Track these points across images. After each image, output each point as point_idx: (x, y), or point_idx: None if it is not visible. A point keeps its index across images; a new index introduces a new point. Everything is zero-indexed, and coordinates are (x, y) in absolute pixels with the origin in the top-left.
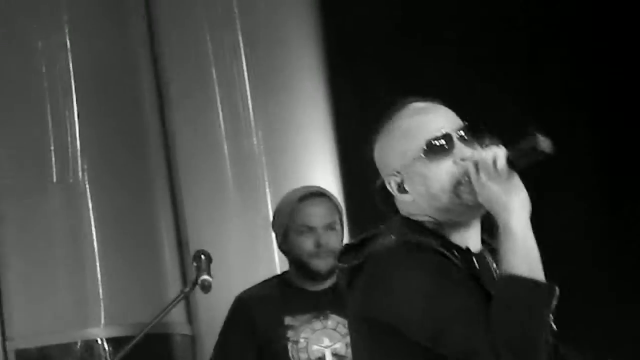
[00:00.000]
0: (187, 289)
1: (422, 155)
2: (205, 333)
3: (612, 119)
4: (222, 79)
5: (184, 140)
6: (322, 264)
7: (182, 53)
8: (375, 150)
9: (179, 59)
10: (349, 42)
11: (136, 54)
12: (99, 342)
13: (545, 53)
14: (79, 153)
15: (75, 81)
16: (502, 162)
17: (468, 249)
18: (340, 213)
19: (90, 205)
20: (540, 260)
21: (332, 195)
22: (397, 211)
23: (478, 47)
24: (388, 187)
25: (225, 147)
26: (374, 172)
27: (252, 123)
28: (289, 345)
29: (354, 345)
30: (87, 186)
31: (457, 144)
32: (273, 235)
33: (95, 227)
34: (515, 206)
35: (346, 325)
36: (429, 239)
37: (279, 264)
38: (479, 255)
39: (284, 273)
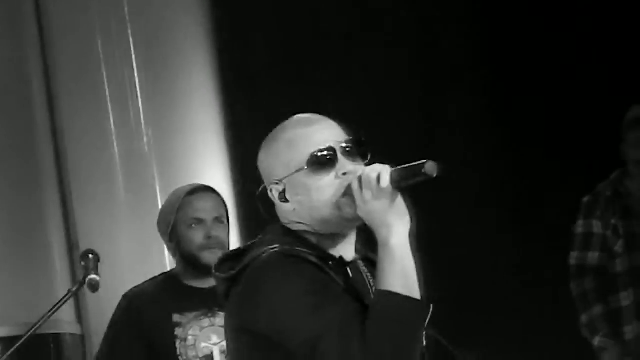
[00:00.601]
0: (74, 288)
1: (305, 167)
2: (94, 332)
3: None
4: (112, 78)
5: (73, 140)
6: (212, 256)
7: (73, 52)
8: (260, 158)
9: (69, 59)
10: (242, 42)
11: (26, 53)
12: None
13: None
14: None
15: None
16: (385, 180)
17: (341, 258)
18: (226, 209)
19: None
20: (416, 279)
21: (218, 191)
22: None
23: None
24: (270, 194)
25: (116, 147)
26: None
27: (143, 123)
28: (177, 343)
29: (232, 356)
30: None
31: (341, 157)
32: None
33: None
34: (395, 224)
35: None
36: (303, 250)
37: (169, 264)
38: (352, 265)
39: (171, 270)
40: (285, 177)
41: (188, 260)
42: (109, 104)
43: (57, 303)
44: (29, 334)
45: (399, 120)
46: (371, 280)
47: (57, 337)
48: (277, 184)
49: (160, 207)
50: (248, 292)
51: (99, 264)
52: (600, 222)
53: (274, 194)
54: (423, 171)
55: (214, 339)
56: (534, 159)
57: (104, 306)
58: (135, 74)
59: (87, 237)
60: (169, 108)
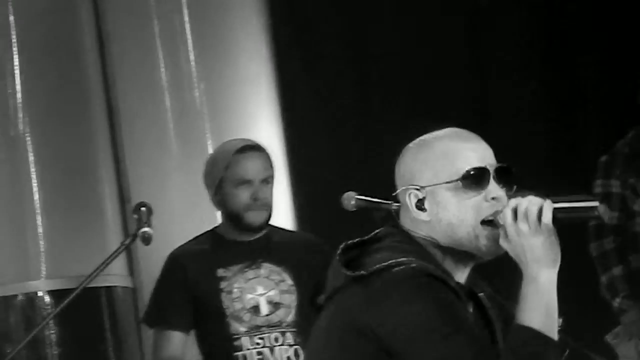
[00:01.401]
0: (127, 241)
1: (456, 181)
2: (146, 285)
3: None
4: (164, 31)
5: (125, 94)
6: (257, 216)
7: (125, 5)
8: (404, 161)
9: (121, 11)
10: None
11: (78, 6)
12: (40, 294)
13: None
14: (20, 106)
15: (16, 34)
16: (548, 217)
17: (471, 289)
18: (274, 169)
19: (31, 158)
20: (557, 321)
21: (267, 149)
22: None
23: None
24: (406, 198)
25: (167, 100)
26: (316, 127)
27: (195, 76)
28: (223, 296)
29: (316, 341)
30: (29, 140)
31: (492, 181)
32: None
33: (36, 180)
34: (549, 263)
35: (279, 273)
36: (445, 275)
37: (219, 217)
38: (480, 297)
39: (215, 227)
40: (430, 186)
41: (232, 218)
42: (160, 57)
43: (110, 256)
44: (82, 286)
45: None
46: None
47: (109, 290)
48: (418, 189)
49: None
50: (381, 295)
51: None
52: (618, 181)
53: (411, 199)
54: (595, 214)
55: (260, 289)
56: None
57: (155, 259)
58: (187, 27)
59: (138, 191)
60: (221, 61)
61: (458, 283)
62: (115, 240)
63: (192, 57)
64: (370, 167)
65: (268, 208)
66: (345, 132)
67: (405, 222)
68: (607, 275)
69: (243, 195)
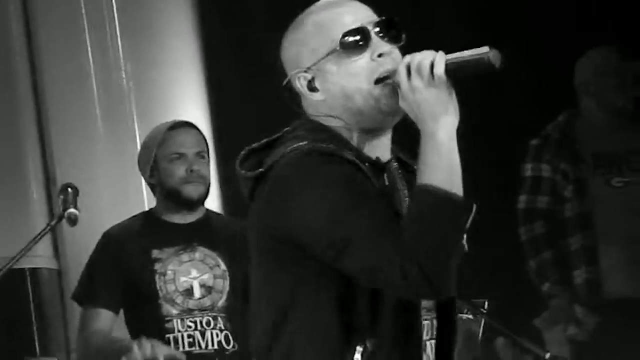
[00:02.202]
0: (53, 222)
1: (336, 49)
2: (71, 267)
3: None
4: (90, 12)
5: (52, 75)
6: (193, 190)
7: None
8: (283, 46)
9: None
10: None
11: None
12: None
13: None
14: None
15: None
16: (440, 68)
17: (378, 160)
18: (207, 146)
19: None
20: (461, 178)
21: (198, 127)
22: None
23: None
24: (296, 84)
25: (94, 81)
26: (244, 109)
27: (121, 56)
28: (157, 278)
29: (258, 269)
30: None
31: (374, 38)
32: None
33: None
34: (445, 116)
35: (214, 257)
36: (341, 148)
37: (146, 198)
38: (388, 167)
39: (151, 209)
40: (315, 64)
41: (169, 194)
42: (87, 37)
43: (35, 237)
44: (7, 267)
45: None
46: (404, 184)
47: (33, 271)
48: (305, 72)
49: (138, 140)
50: (276, 192)
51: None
52: (549, 165)
53: (301, 82)
54: (486, 61)
55: (194, 273)
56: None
57: (81, 241)
58: (114, 9)
59: (64, 171)
60: (147, 43)
61: (363, 156)
62: (40, 222)
63: (118, 38)
64: None
65: (205, 181)
66: (274, 115)
67: (308, 110)
68: (537, 260)
69: (179, 170)
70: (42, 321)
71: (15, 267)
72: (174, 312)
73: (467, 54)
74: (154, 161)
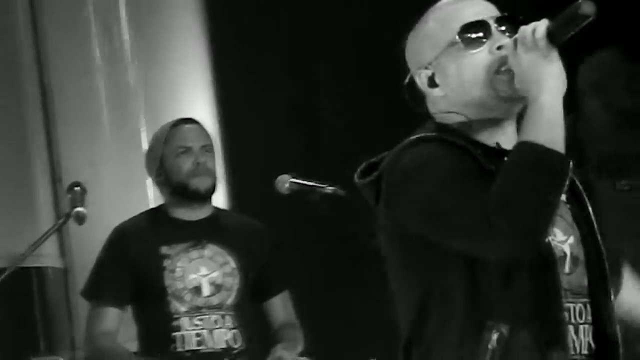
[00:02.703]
0: (61, 220)
1: (457, 40)
2: (77, 266)
3: None
4: (98, 9)
5: (58, 72)
6: (201, 182)
7: None
8: (407, 45)
9: None
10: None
11: None
12: None
13: None
14: None
15: None
16: (541, 31)
17: (498, 145)
18: (211, 140)
19: None
20: (564, 140)
21: (202, 123)
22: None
23: None
24: (417, 82)
25: (101, 79)
26: (251, 108)
27: (129, 56)
28: (165, 274)
29: (389, 271)
30: None
31: (494, 32)
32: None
33: None
34: (548, 79)
35: (224, 255)
36: (446, 134)
37: (152, 197)
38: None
39: (161, 205)
40: (435, 59)
41: (177, 189)
42: (94, 36)
43: (43, 235)
44: (14, 266)
45: None
46: None
47: (40, 270)
48: (426, 68)
49: (145, 140)
50: (386, 189)
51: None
52: None
53: (422, 79)
54: (580, 12)
55: (203, 270)
56: None
57: (87, 240)
58: (121, 5)
59: (71, 170)
60: (155, 40)
61: (478, 143)
62: (47, 220)
63: (125, 35)
64: (306, 149)
65: (212, 174)
66: (280, 113)
67: (432, 108)
68: None
69: (185, 163)
70: (48, 320)
71: (22, 265)
72: (182, 309)
73: (564, 14)
74: (161, 160)
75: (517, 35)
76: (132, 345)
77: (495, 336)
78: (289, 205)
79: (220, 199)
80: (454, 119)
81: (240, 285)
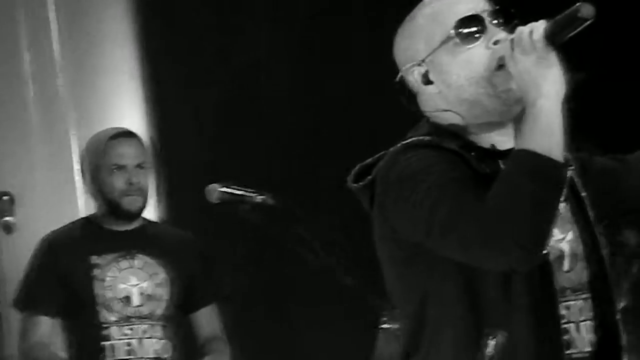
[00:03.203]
0: None
1: (452, 35)
2: (8, 276)
3: None
4: (28, 18)
5: None
6: (132, 203)
7: None
8: (396, 42)
9: None
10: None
11: None
12: None
13: None
14: None
15: None
16: (539, 32)
17: (493, 147)
18: (149, 155)
19: None
20: (561, 147)
21: (140, 136)
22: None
23: None
24: (410, 79)
25: (31, 89)
26: (183, 117)
27: (58, 62)
28: (95, 283)
29: (385, 273)
30: None
31: (490, 26)
32: (77, 177)
33: None
34: (547, 83)
35: (154, 265)
36: (442, 139)
37: (83, 206)
38: (508, 154)
39: (90, 215)
40: (428, 55)
41: (108, 205)
42: (24, 45)
43: None
44: None
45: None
46: None
47: None
48: (419, 65)
49: (75, 149)
50: (380, 195)
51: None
52: None
53: (415, 77)
54: (579, 15)
55: (133, 280)
56: None
57: (16, 250)
58: (51, 15)
59: (1, 180)
60: (84, 47)
61: (473, 145)
62: None
63: (55, 41)
64: (238, 158)
65: (143, 194)
66: (213, 122)
67: (425, 106)
68: None
69: (118, 181)
70: None
71: None
72: (112, 319)
73: (562, 15)
74: (95, 170)
75: (513, 36)
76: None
77: (492, 343)
78: (220, 214)
79: (150, 207)
80: (448, 118)
81: (170, 296)
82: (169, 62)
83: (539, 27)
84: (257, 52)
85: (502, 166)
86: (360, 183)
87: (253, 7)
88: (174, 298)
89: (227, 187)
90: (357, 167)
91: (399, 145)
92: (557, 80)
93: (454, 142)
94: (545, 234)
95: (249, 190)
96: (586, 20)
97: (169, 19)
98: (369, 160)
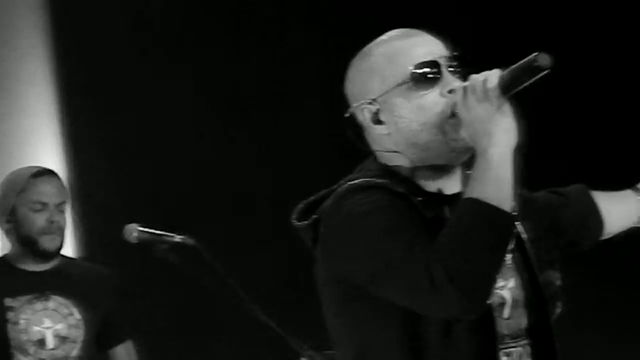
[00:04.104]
0: None
1: (407, 80)
2: None
3: None
4: None
5: None
6: (51, 242)
7: None
8: (348, 77)
9: None
10: (79, 28)
11: None
12: None
13: None
14: None
15: None
16: (493, 82)
17: (440, 192)
18: (68, 195)
19: None
20: (510, 197)
21: (60, 176)
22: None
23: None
24: (359, 116)
25: None
26: (100, 157)
27: None
28: (9, 327)
29: (325, 315)
30: None
31: (445, 73)
32: None
33: None
34: (499, 132)
35: (68, 306)
36: (385, 180)
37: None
38: (454, 198)
39: (5, 255)
40: (381, 95)
41: (25, 243)
42: None
43: None
44: None
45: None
46: None
47: None
48: (370, 103)
49: None
50: (324, 235)
51: None
52: None
53: (365, 114)
54: (536, 64)
55: (47, 322)
56: None
57: None
58: None
59: None
60: (2, 91)
61: (420, 189)
62: None
63: None
64: (156, 197)
65: (62, 233)
66: (130, 163)
67: (373, 144)
68: None
69: (39, 219)
70: None
71: None
72: None
73: (518, 65)
74: (13, 208)
75: (467, 83)
76: None
77: None
78: (140, 254)
79: (68, 248)
80: (395, 159)
81: (86, 336)
82: (87, 101)
83: (493, 76)
84: (175, 90)
85: (447, 212)
86: (305, 222)
87: (174, 47)
88: (89, 339)
89: (146, 227)
90: (301, 205)
91: (345, 185)
92: (509, 129)
93: (401, 185)
94: (491, 285)
95: (168, 230)
96: (543, 70)
97: (86, 58)
98: (313, 197)
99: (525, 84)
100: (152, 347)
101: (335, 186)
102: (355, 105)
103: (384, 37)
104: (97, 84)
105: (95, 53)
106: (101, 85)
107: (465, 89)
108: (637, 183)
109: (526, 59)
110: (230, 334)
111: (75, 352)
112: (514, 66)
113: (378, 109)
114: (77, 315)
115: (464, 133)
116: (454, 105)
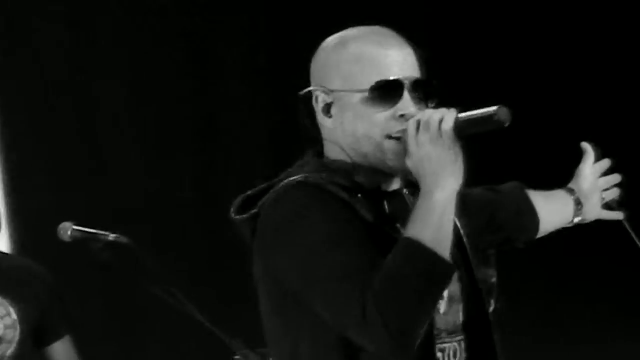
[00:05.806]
0: None
1: (366, 92)
2: None
3: None
4: None
5: None
6: None
7: None
8: (318, 57)
9: None
10: (20, 54)
11: None
12: None
13: None
14: None
15: None
16: (448, 124)
17: (379, 188)
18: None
19: None
20: (450, 241)
21: None
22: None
23: None
24: (313, 100)
25: None
26: (35, 155)
27: None
28: None
29: (262, 310)
30: None
31: (406, 96)
32: None
33: None
34: (446, 177)
35: (5, 306)
36: (325, 177)
37: None
38: (393, 195)
39: None
40: (339, 92)
41: None
42: None
43: None
44: None
45: None
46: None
47: None
48: (326, 93)
49: None
50: (263, 230)
51: None
52: None
53: (318, 101)
54: (495, 119)
55: None
56: None
57: None
58: None
59: None
60: None
61: (361, 186)
62: None
63: None
64: (91, 195)
65: None
66: (65, 159)
67: (322, 131)
68: None
69: None
70: None
71: None
72: None
73: (478, 111)
74: None
75: (421, 118)
76: None
77: None
78: (74, 253)
79: (3, 245)
80: (339, 153)
81: (21, 336)
82: (23, 101)
83: (450, 118)
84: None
85: (386, 207)
86: (243, 215)
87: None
88: (25, 338)
89: (79, 226)
90: (239, 198)
91: (285, 180)
92: (457, 173)
93: (340, 180)
94: (420, 329)
95: (102, 229)
96: (501, 125)
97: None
98: (251, 191)
99: (479, 132)
100: (84, 348)
101: (276, 180)
102: (312, 86)
103: (366, 31)
104: (30, 80)
105: (34, 81)
106: (34, 81)
107: (419, 123)
108: (568, 183)
109: (486, 109)
110: (164, 332)
111: (10, 352)
112: (472, 113)
113: (332, 102)
114: (13, 315)
115: (408, 163)
116: (403, 131)
